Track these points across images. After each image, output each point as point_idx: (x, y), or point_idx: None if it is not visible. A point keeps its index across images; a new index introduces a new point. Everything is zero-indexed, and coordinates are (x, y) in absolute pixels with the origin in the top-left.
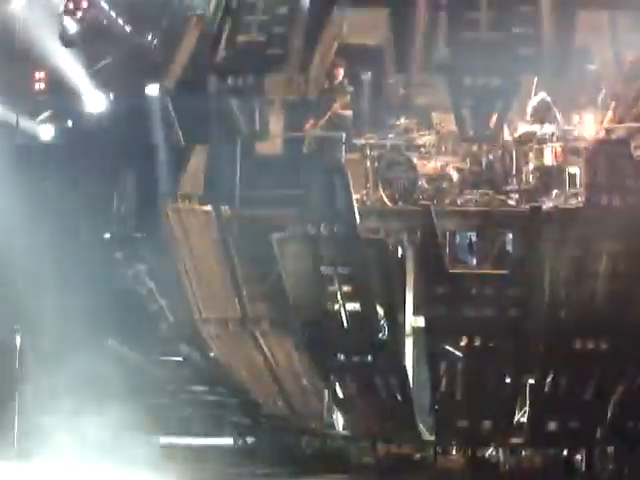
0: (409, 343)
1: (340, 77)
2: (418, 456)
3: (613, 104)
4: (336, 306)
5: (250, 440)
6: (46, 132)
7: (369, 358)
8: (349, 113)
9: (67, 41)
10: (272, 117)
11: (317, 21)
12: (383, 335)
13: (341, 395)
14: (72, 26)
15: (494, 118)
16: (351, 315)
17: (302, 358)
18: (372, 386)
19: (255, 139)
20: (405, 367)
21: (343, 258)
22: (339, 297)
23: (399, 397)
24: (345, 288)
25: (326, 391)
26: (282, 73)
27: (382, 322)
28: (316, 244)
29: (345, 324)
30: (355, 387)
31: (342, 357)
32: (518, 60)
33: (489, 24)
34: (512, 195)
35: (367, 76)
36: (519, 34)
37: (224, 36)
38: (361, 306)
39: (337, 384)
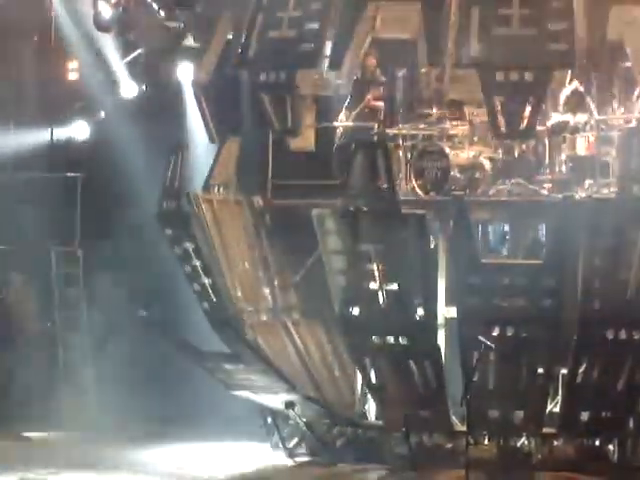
0: (441, 334)
1: (373, 68)
2: (450, 446)
3: None
4: (374, 285)
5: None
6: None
7: (405, 340)
8: (382, 104)
9: (101, 26)
10: (304, 113)
11: (350, 16)
12: (420, 317)
13: (374, 381)
14: (107, 11)
15: (527, 114)
16: (388, 295)
17: (334, 346)
18: (406, 370)
19: (287, 135)
20: (440, 350)
21: (382, 234)
22: (377, 276)
23: (433, 382)
24: (383, 266)
25: (359, 379)
26: (314, 69)
27: (419, 303)
28: (356, 220)
29: (382, 304)
30: (389, 372)
31: (377, 339)
32: (551, 56)
33: (521, 20)
34: (545, 185)
35: (400, 69)
36: (551, 30)
37: (256, 32)
38: (399, 285)
39: (371, 369)
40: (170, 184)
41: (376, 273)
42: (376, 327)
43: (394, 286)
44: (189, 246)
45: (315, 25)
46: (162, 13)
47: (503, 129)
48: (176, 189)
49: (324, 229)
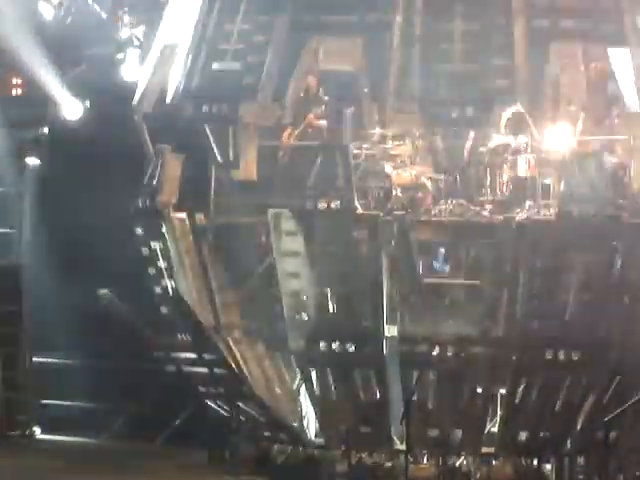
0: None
1: (314, 87)
2: (389, 464)
3: (583, 116)
4: (325, 289)
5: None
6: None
7: (351, 347)
8: (324, 123)
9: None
10: (247, 144)
11: (293, 49)
12: (367, 323)
13: (318, 392)
14: (48, 12)
15: (467, 148)
16: (338, 300)
17: (275, 364)
18: (350, 380)
19: (229, 167)
20: (385, 359)
21: (337, 235)
22: (328, 279)
23: (376, 393)
24: (335, 269)
25: (300, 395)
26: (257, 101)
27: (368, 310)
28: (311, 219)
29: (331, 309)
30: (333, 381)
31: (324, 345)
32: (491, 91)
33: (463, 56)
34: (486, 206)
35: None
36: (492, 65)
37: (199, 64)
38: (349, 290)
39: (315, 379)
40: (147, 183)
41: (327, 276)
42: (324, 333)
43: (344, 291)
44: (157, 246)
45: (258, 57)
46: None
47: (444, 164)
48: (152, 188)
49: (279, 230)
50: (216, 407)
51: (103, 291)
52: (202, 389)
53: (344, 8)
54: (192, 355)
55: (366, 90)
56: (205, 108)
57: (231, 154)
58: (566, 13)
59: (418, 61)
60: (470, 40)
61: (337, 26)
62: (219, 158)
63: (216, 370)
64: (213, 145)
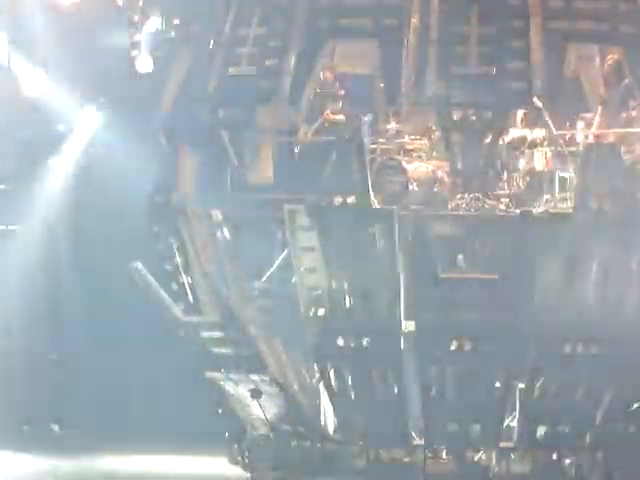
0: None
1: (331, 82)
2: (407, 460)
3: (600, 109)
4: (341, 285)
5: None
6: None
7: (368, 343)
8: (341, 118)
9: None
10: (263, 148)
11: (308, 53)
12: (385, 318)
13: (335, 388)
14: None
15: (483, 164)
16: (355, 295)
17: (293, 361)
18: (368, 376)
19: (246, 170)
20: (403, 354)
21: (353, 231)
22: (345, 274)
23: (394, 388)
24: (351, 264)
25: (318, 390)
26: (273, 105)
27: (384, 305)
28: (327, 215)
29: (348, 304)
30: (351, 376)
31: (341, 341)
32: (508, 93)
33: (479, 58)
34: (503, 199)
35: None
36: (509, 68)
37: (215, 68)
38: (366, 285)
39: (332, 375)
40: (163, 179)
41: (344, 271)
42: (341, 328)
43: (361, 286)
44: (174, 242)
45: (274, 61)
46: None
47: (460, 166)
48: (168, 185)
49: (295, 226)
50: (236, 395)
51: (135, 264)
52: (225, 374)
53: (359, 12)
54: (219, 334)
55: (382, 94)
56: (221, 112)
57: (247, 157)
58: (582, 15)
59: (434, 64)
60: (486, 43)
61: (352, 30)
62: (235, 161)
63: (241, 350)
64: (229, 148)
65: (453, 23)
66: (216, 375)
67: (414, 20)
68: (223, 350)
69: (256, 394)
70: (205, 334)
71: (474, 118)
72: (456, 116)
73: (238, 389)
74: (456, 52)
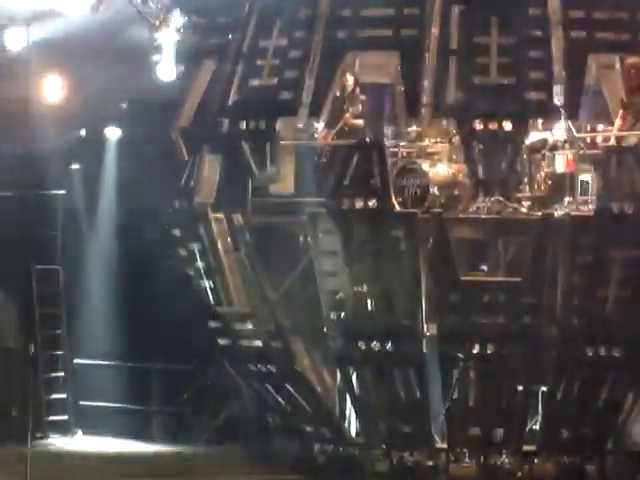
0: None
1: (351, 85)
2: (430, 463)
3: (621, 112)
4: (363, 288)
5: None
6: None
7: (390, 346)
8: (361, 122)
9: None
10: (284, 159)
11: (329, 65)
12: (406, 322)
13: (357, 391)
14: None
15: (504, 167)
16: (376, 298)
17: (314, 363)
18: (390, 379)
19: (267, 182)
20: (425, 358)
21: (374, 234)
22: (366, 278)
23: (417, 392)
24: (373, 268)
25: (340, 394)
26: (294, 117)
27: (406, 308)
28: (349, 219)
29: (370, 308)
30: (373, 380)
31: (363, 344)
32: (529, 104)
33: (499, 68)
34: (524, 202)
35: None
36: (529, 78)
37: (236, 80)
38: (387, 288)
39: (354, 378)
40: (185, 184)
41: (366, 275)
42: (363, 332)
43: (383, 289)
44: (195, 247)
45: (294, 73)
46: None
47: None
48: (189, 189)
49: (316, 230)
50: (263, 392)
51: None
52: (253, 368)
53: (379, 22)
54: (249, 326)
55: (402, 105)
56: (242, 124)
57: (268, 169)
58: (602, 24)
59: (454, 75)
60: (506, 53)
61: (372, 41)
62: (256, 172)
63: (271, 343)
64: (250, 160)
65: (473, 33)
66: (242, 369)
67: (434, 30)
68: (253, 343)
69: (282, 391)
70: (237, 326)
71: (495, 129)
72: (477, 127)
73: (264, 385)
74: (476, 62)
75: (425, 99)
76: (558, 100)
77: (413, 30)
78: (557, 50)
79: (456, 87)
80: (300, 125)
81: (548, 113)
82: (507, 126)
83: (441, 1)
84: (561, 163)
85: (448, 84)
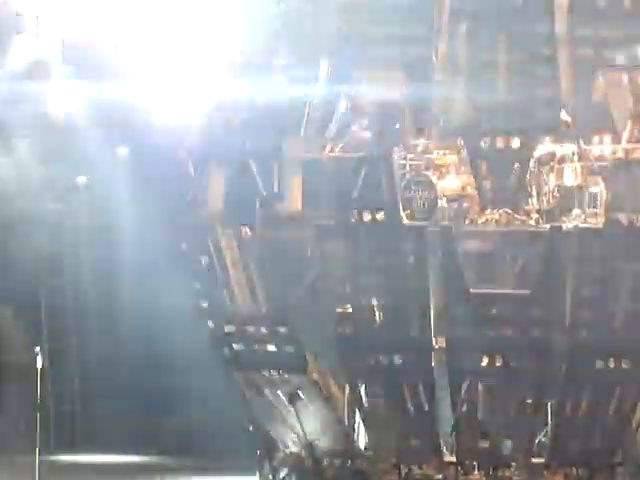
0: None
1: (359, 100)
2: (439, 477)
3: (630, 124)
4: (372, 300)
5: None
6: None
7: (399, 360)
8: (368, 135)
9: None
10: (291, 177)
11: (336, 83)
12: (415, 335)
13: (366, 404)
14: None
15: (512, 180)
16: (385, 311)
17: (323, 376)
18: (399, 392)
19: (274, 200)
20: (434, 371)
21: (383, 247)
22: (375, 291)
23: (425, 405)
24: (381, 280)
25: (349, 407)
26: (301, 135)
27: (415, 321)
28: (357, 231)
29: (378, 321)
30: (382, 394)
31: (372, 358)
32: (536, 122)
33: (507, 86)
34: (532, 215)
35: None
36: (537, 96)
37: (243, 98)
38: (396, 301)
39: (363, 392)
40: (193, 197)
41: (374, 288)
42: (372, 345)
43: (391, 302)
44: (203, 260)
45: (302, 91)
46: None
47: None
48: (198, 203)
49: (324, 242)
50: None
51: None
52: (266, 374)
53: (386, 41)
54: (264, 330)
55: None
56: (249, 143)
57: (276, 187)
58: (610, 41)
59: (462, 92)
60: (514, 70)
61: (380, 59)
62: (263, 191)
63: (286, 348)
64: (257, 178)
65: (481, 51)
66: (255, 376)
67: (442, 48)
68: (268, 348)
69: (294, 399)
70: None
71: (502, 146)
72: (484, 144)
73: (276, 393)
74: (484, 80)
75: (433, 117)
76: (566, 116)
77: (420, 48)
78: (565, 67)
79: (464, 105)
80: (308, 140)
81: (556, 129)
82: (515, 143)
83: (448, 18)
84: (570, 175)
85: (456, 102)
